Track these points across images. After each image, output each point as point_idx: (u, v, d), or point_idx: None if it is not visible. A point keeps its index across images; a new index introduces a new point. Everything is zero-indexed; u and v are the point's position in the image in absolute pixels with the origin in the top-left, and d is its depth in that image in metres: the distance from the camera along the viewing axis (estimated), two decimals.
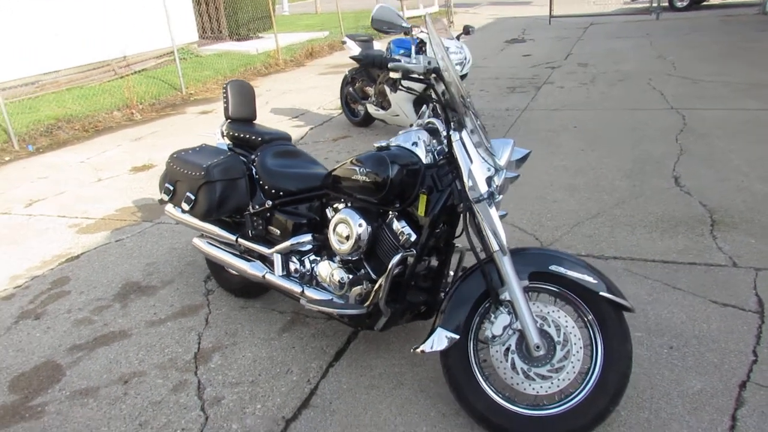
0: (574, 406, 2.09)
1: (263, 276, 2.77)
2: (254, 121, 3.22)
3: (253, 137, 3.00)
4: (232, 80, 3.19)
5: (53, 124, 7.40)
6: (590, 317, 2.13)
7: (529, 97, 7.44)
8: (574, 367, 2.11)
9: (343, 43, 6.55)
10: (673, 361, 2.51)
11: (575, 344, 2.12)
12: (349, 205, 2.54)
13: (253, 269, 2.81)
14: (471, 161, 2.19)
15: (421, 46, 5.39)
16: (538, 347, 2.08)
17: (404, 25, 2.25)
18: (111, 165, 6.05)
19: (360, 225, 2.42)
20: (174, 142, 6.63)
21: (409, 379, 2.53)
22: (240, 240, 2.92)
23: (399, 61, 2.19)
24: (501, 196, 2.25)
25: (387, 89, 5.83)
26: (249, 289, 3.17)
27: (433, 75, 2.21)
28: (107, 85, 9.36)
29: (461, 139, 2.22)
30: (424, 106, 2.61)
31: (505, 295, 2.13)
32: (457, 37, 5.55)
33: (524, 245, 3.53)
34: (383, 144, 2.43)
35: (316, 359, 2.71)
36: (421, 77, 2.22)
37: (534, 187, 4.51)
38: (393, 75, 2.25)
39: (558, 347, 2.12)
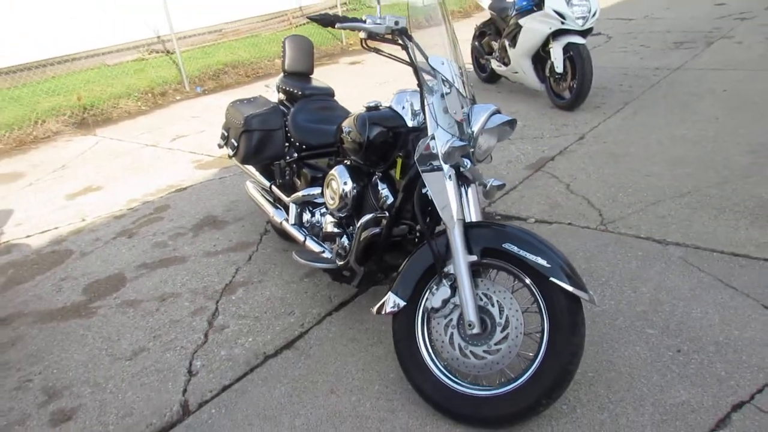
0: (508, 391, 1.99)
1: (281, 222, 2.97)
2: (311, 76, 3.36)
3: (296, 91, 3.15)
4: (291, 35, 3.34)
5: (221, 69, 8.27)
6: (541, 302, 1.99)
7: (693, 54, 6.54)
8: (510, 351, 1.99)
9: None
10: (670, 366, 2.22)
11: (516, 328, 1.99)
12: (345, 162, 2.59)
13: (275, 215, 3.02)
14: (437, 126, 2.11)
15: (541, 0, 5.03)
16: (471, 325, 1.99)
17: None
18: None
19: (345, 183, 2.48)
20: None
21: (389, 337, 2.55)
22: (272, 187, 3.13)
23: (364, 21, 2.15)
24: (469, 164, 2.12)
25: (507, 44, 5.56)
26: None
27: (403, 36, 2.15)
28: (280, 33, 10.10)
29: (432, 103, 2.14)
30: None
31: (449, 268, 2.06)
32: None
33: (581, 220, 3.29)
34: (372, 104, 2.43)
35: (319, 306, 2.86)
36: (389, 38, 2.17)
37: (634, 157, 4.07)
38: (360, 35, 2.22)
39: (498, 329, 2.02)
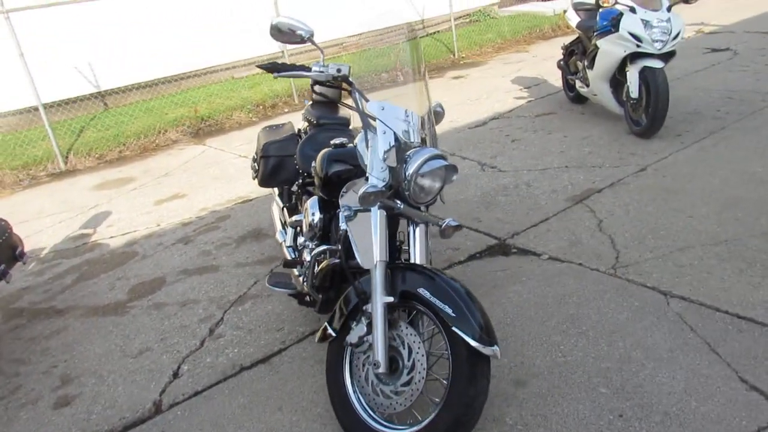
0: None
1: (281, 243, 3.19)
2: (338, 103, 3.54)
3: (312, 120, 3.35)
4: None
5: None
6: (448, 350, 2.00)
7: None
8: (413, 395, 2.04)
9: (564, 12, 6.13)
10: (603, 431, 2.11)
11: (419, 372, 2.03)
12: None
13: (278, 235, 3.25)
14: (371, 171, 2.20)
15: (619, 18, 4.76)
16: (376, 364, 2.06)
17: (302, 33, 2.29)
18: None
19: (314, 214, 2.63)
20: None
21: None
22: (284, 209, 3.37)
23: (310, 69, 2.29)
24: (402, 206, 2.17)
25: (586, 65, 5.33)
26: None
27: (346, 82, 2.26)
28: (396, 47, 10.40)
29: (372, 147, 2.24)
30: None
31: (368, 307, 2.14)
32: (669, 8, 4.67)
33: (594, 261, 3.15)
34: (338, 141, 2.56)
35: (306, 326, 3.04)
36: (333, 84, 2.29)
37: (687, 195, 3.76)
38: (310, 81, 2.36)
39: (405, 371, 2.06)
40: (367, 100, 2.29)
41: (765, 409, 2.08)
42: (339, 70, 2.27)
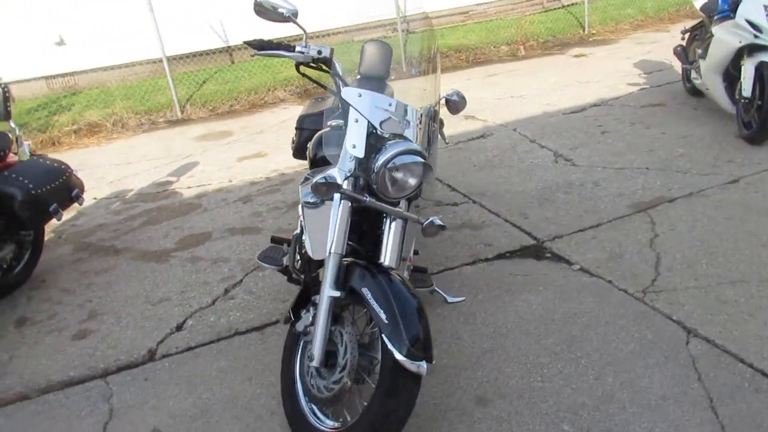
0: None
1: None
2: (387, 81, 3.45)
3: None
4: (371, 40, 3.46)
5: (444, 53, 8.51)
6: (381, 355, 1.92)
7: None
8: (339, 394, 1.97)
9: None
10: None
11: (349, 373, 1.96)
12: None
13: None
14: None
15: (739, 2, 4.12)
16: (311, 357, 2.02)
17: (283, 11, 2.18)
18: None
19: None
20: (516, 84, 6.88)
21: None
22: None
23: (293, 49, 2.22)
24: (368, 199, 2.08)
25: (698, 54, 4.70)
26: None
27: (327, 64, 2.18)
28: (525, 18, 9.87)
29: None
30: None
31: (315, 298, 2.09)
32: None
33: (625, 281, 2.85)
34: (333, 123, 2.49)
35: None
36: (314, 65, 2.22)
37: None
38: (294, 61, 2.29)
39: (338, 369, 2.00)
40: (346, 85, 2.19)
41: None
42: (320, 52, 2.19)
